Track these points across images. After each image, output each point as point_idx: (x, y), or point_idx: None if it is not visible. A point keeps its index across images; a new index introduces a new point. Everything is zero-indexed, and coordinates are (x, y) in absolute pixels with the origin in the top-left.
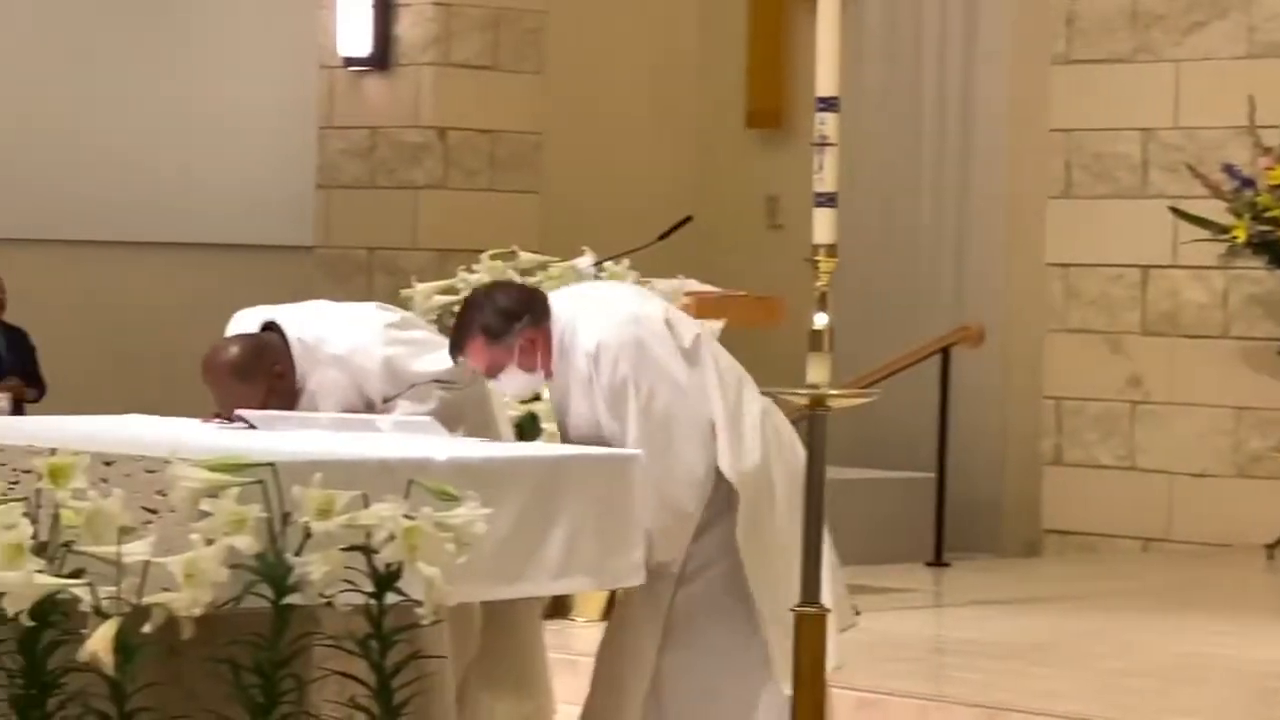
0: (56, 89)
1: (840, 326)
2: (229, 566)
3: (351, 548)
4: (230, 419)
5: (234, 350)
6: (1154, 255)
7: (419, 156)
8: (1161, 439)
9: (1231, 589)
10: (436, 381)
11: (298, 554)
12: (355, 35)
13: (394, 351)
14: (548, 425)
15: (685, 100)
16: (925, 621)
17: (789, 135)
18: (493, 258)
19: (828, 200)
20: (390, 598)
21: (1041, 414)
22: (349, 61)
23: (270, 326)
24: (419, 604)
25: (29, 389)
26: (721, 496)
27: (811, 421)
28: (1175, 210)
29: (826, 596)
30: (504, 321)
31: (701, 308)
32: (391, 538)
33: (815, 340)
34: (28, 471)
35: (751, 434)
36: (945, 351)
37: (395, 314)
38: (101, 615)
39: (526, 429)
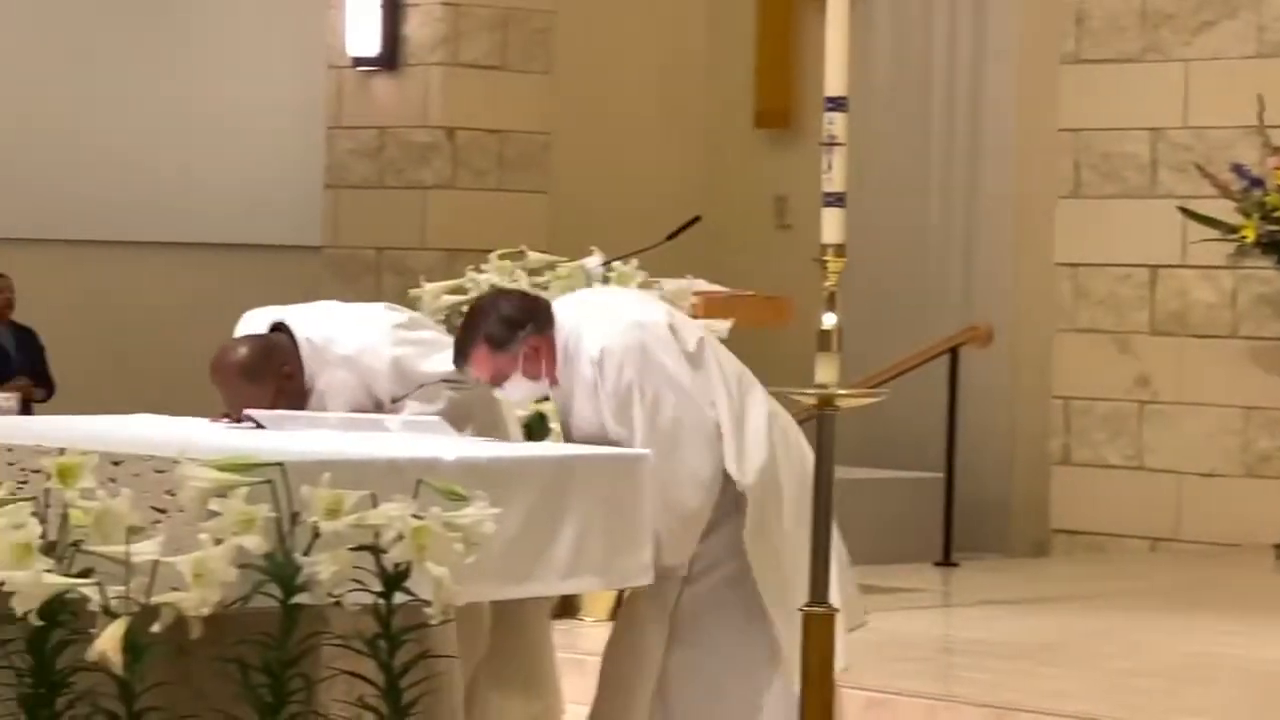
0: (60, 89)
1: (849, 326)
2: (237, 566)
3: (360, 547)
4: (239, 419)
5: (243, 351)
6: (1163, 255)
7: (427, 156)
8: (1170, 439)
9: (1240, 589)
10: (445, 381)
11: (306, 554)
12: (364, 35)
13: (402, 352)
14: (556, 425)
15: (694, 100)
16: (933, 621)
17: (797, 135)
18: (501, 257)
19: (836, 200)
20: (399, 597)
21: (1050, 414)
22: (357, 61)
23: (279, 327)
24: (427, 604)
25: (37, 389)
26: (729, 497)
27: (820, 421)
28: (1184, 210)
29: (835, 596)
30: (508, 330)
31: (710, 307)
32: (400, 537)
33: (823, 340)
34: (36, 471)
35: (757, 436)
36: (954, 351)
37: (403, 314)
38: (110, 615)
39: (535, 429)
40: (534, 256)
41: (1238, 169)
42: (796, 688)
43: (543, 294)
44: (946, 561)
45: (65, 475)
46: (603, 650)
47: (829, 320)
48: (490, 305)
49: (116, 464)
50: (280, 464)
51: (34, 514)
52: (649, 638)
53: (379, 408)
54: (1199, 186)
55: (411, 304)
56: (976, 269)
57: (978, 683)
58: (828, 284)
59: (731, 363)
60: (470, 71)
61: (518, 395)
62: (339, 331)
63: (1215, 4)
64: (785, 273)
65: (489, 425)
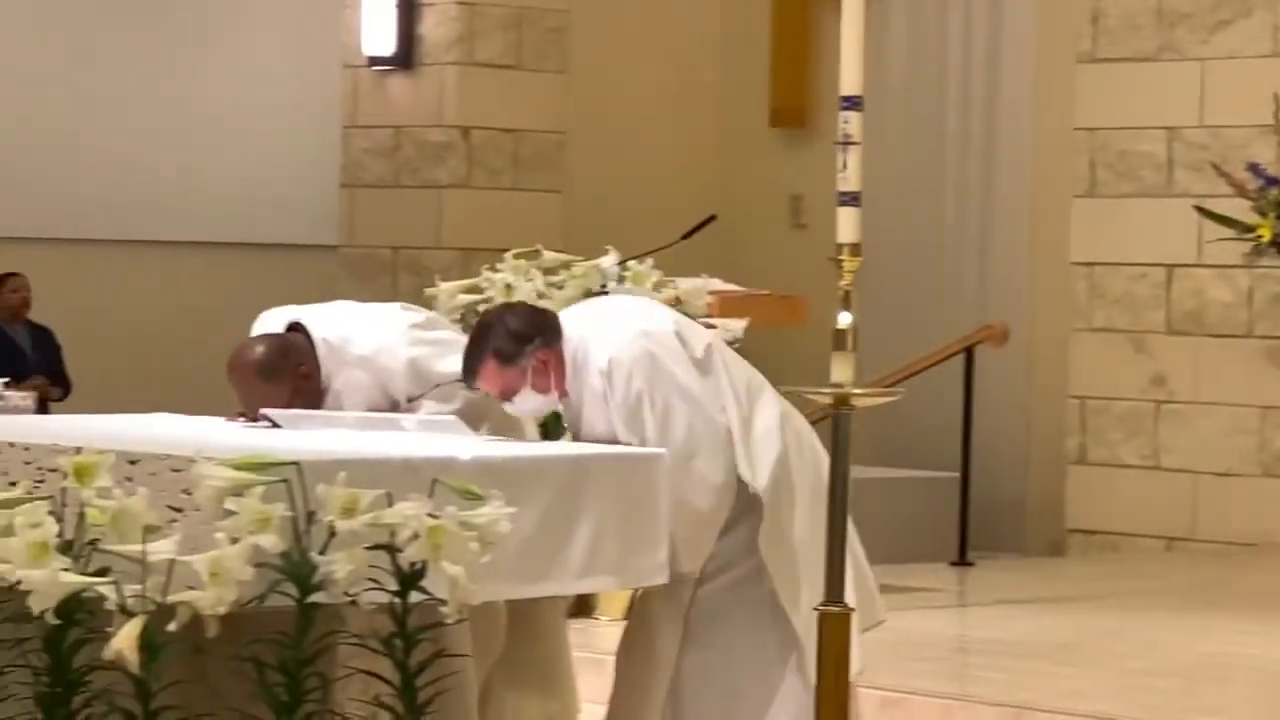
0: (75, 90)
1: (864, 326)
2: (254, 565)
3: (376, 546)
4: (255, 418)
5: (259, 350)
6: (1178, 254)
7: (443, 156)
8: (1186, 438)
9: (1256, 588)
10: (461, 381)
11: (322, 553)
12: (379, 35)
13: (419, 352)
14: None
15: (708, 99)
16: (949, 621)
17: (813, 134)
18: (516, 257)
19: (851, 199)
20: (414, 596)
21: (1066, 413)
22: (373, 61)
23: (295, 327)
24: (443, 603)
25: (54, 388)
26: (742, 499)
27: (835, 421)
28: (1200, 209)
29: (850, 597)
30: (516, 344)
31: (725, 307)
32: (416, 536)
33: (839, 339)
34: (53, 470)
35: (768, 437)
36: (969, 351)
37: (420, 314)
38: (127, 614)
39: (551, 428)
40: (549, 256)
41: (1254, 168)
42: (813, 687)
43: (558, 293)
44: (962, 561)
45: (82, 474)
46: (616, 650)
47: (844, 319)
48: (497, 319)
49: (133, 463)
50: (296, 463)
51: (51, 513)
52: (664, 638)
53: (395, 407)
54: (1215, 185)
55: (427, 303)
56: (992, 268)
57: (993, 682)
58: (843, 283)
59: (740, 367)
60: (485, 71)
61: (527, 408)
62: (355, 331)
63: (1231, 3)
64: (800, 272)
65: (505, 425)
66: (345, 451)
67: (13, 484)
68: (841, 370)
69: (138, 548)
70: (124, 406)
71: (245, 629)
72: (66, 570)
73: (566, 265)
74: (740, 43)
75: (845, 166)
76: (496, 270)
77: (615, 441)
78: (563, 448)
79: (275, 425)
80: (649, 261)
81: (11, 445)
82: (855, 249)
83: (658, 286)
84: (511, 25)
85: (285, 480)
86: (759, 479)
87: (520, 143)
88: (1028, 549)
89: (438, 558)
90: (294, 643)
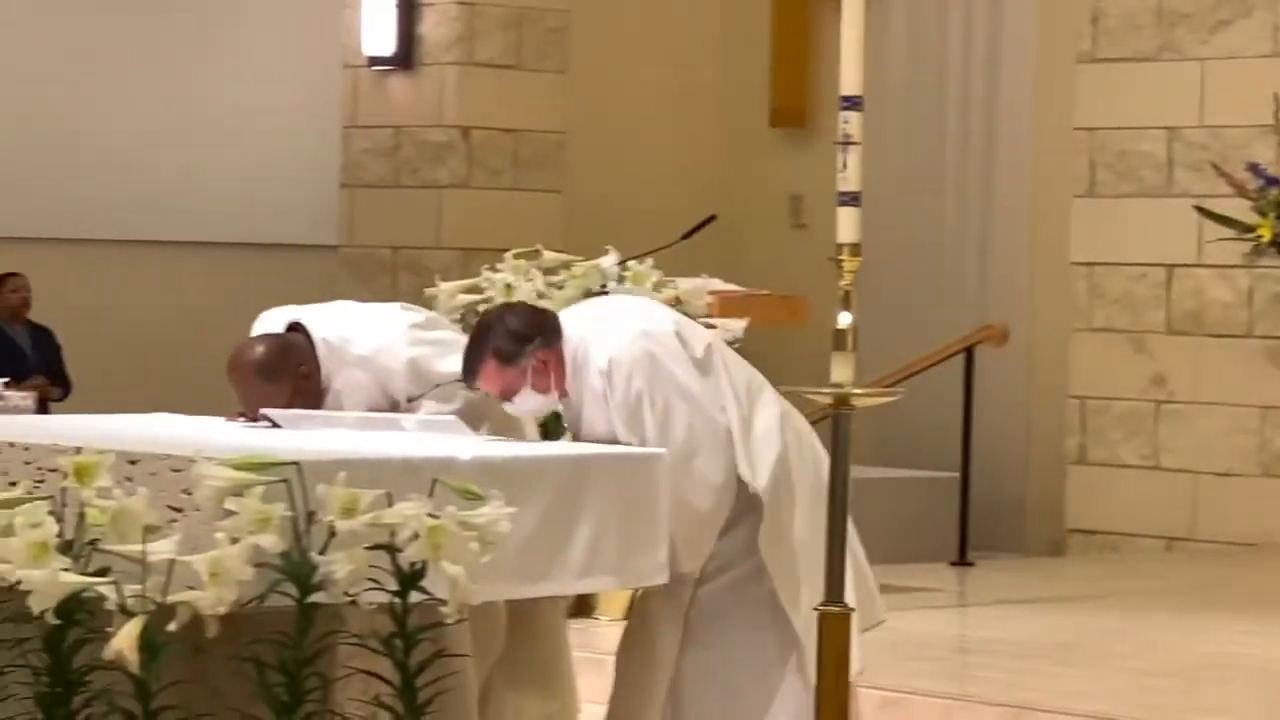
0: (65, 89)
1: (864, 326)
2: (254, 565)
3: (376, 546)
4: (255, 418)
5: (259, 350)
6: (1178, 254)
7: (443, 156)
8: (1186, 438)
9: (1256, 588)
10: (461, 381)
11: (322, 553)
12: (379, 35)
13: (419, 352)
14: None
15: (709, 99)
16: (949, 621)
17: (813, 134)
18: (516, 257)
19: (851, 199)
20: (414, 596)
21: (1066, 413)
22: (373, 61)
23: (295, 327)
24: (443, 603)
25: (54, 387)
26: (742, 499)
27: (835, 421)
28: (1200, 209)
29: (850, 597)
30: (516, 344)
31: (725, 307)
32: (416, 536)
33: (839, 339)
34: (53, 470)
35: (768, 437)
36: (969, 351)
37: (420, 314)
38: (127, 613)
39: (551, 428)
40: (549, 256)
41: (1254, 168)
42: (813, 687)
43: (558, 293)
44: (962, 561)
45: (82, 474)
46: (616, 650)
47: (844, 319)
48: (497, 320)
49: (133, 463)
50: (296, 463)
51: (51, 513)
52: (663, 638)
53: (395, 407)
54: (1215, 185)
55: (427, 303)
56: (992, 268)
57: (993, 682)
58: (843, 283)
59: (740, 367)
60: (485, 71)
61: (527, 409)
62: (355, 331)
63: (1231, 3)
64: (800, 272)
65: (504, 425)
66: (345, 451)
67: (13, 484)
68: (841, 370)
69: (138, 548)
70: (124, 406)
71: (245, 629)
72: (66, 570)
73: (566, 265)
74: (740, 43)
75: (845, 166)
76: (496, 270)
77: (615, 441)
78: (563, 448)
79: (275, 425)
80: (649, 261)
81: (11, 445)
82: (855, 249)
83: (658, 286)
84: (511, 25)
85: (285, 480)
86: (759, 479)
87: (520, 143)
88: (1028, 549)
89: (438, 558)
90: (294, 643)
